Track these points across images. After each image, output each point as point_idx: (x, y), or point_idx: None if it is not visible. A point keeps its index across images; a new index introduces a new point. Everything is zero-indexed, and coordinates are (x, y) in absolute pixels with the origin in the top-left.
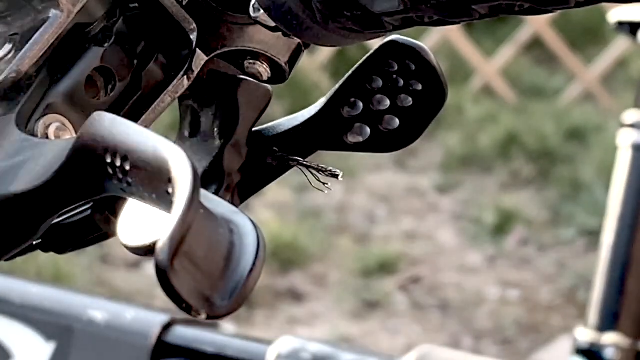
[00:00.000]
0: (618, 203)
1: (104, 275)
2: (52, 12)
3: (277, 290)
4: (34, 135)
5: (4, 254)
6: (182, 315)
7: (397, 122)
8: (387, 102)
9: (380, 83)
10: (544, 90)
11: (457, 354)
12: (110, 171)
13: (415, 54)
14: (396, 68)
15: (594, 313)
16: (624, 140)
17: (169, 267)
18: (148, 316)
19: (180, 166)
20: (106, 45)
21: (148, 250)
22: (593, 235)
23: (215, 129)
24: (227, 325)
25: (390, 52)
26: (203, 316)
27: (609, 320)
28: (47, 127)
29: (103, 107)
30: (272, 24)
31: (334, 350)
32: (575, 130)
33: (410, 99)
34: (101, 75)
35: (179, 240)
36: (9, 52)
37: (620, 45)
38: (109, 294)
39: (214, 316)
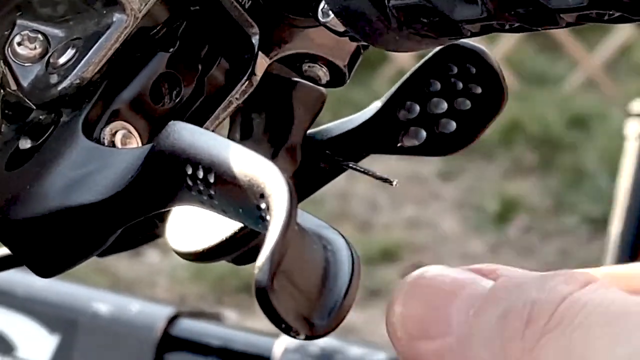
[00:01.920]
0: (626, 193)
1: (104, 263)
2: (117, 16)
3: None
4: (100, 142)
5: (71, 265)
6: (187, 308)
7: (453, 125)
8: (445, 105)
9: (438, 86)
10: (546, 78)
11: None
12: (190, 183)
13: (476, 57)
14: (455, 71)
15: None
16: (632, 130)
17: (269, 287)
18: (153, 309)
19: (275, 181)
20: (171, 50)
21: (199, 256)
22: (596, 223)
23: (268, 133)
24: (229, 313)
25: (449, 55)
26: (302, 336)
27: None
28: (114, 134)
29: (168, 113)
30: (341, 29)
31: (341, 343)
32: (578, 117)
33: (468, 102)
34: (166, 81)
35: (278, 260)
36: (72, 57)
37: (624, 32)
38: (109, 282)
39: (313, 337)
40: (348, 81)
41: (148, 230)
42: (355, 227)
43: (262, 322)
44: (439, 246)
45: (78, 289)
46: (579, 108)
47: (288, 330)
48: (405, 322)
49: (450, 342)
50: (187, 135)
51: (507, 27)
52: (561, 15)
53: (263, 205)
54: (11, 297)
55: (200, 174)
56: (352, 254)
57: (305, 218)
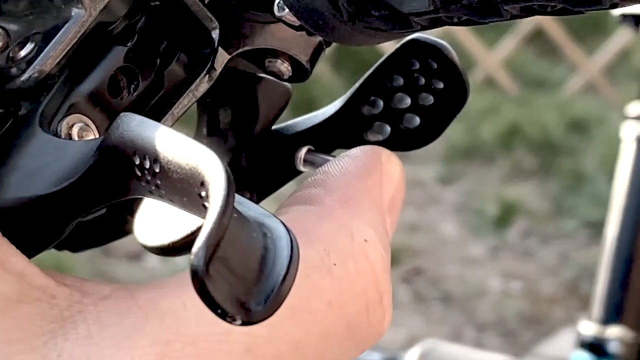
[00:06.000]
0: (622, 196)
1: (104, 267)
2: (75, 11)
3: None
4: (57, 135)
5: (29, 256)
6: None
7: (417, 120)
8: (408, 101)
9: (401, 81)
10: (546, 82)
11: (460, 348)
12: (139, 173)
13: (437, 52)
14: (417, 66)
15: (597, 306)
16: (628, 132)
17: (204, 272)
18: None
19: (214, 169)
20: (129, 44)
21: (166, 250)
22: (595, 227)
23: (234, 128)
24: None
25: (411, 50)
26: (238, 322)
27: (613, 314)
28: (71, 127)
29: (126, 107)
30: (297, 23)
31: None
32: (577, 121)
33: (431, 97)
34: (124, 75)
35: (214, 245)
36: (31, 51)
37: (623, 36)
38: None
39: (249, 322)
40: (310, 76)
41: (118, 225)
42: None
43: None
44: (439, 250)
45: None
46: (579, 112)
47: (224, 315)
48: None
49: None
50: (135, 126)
51: (455, 20)
52: (505, 7)
53: (204, 194)
54: None
55: (147, 164)
56: (291, 241)
57: (249, 207)
